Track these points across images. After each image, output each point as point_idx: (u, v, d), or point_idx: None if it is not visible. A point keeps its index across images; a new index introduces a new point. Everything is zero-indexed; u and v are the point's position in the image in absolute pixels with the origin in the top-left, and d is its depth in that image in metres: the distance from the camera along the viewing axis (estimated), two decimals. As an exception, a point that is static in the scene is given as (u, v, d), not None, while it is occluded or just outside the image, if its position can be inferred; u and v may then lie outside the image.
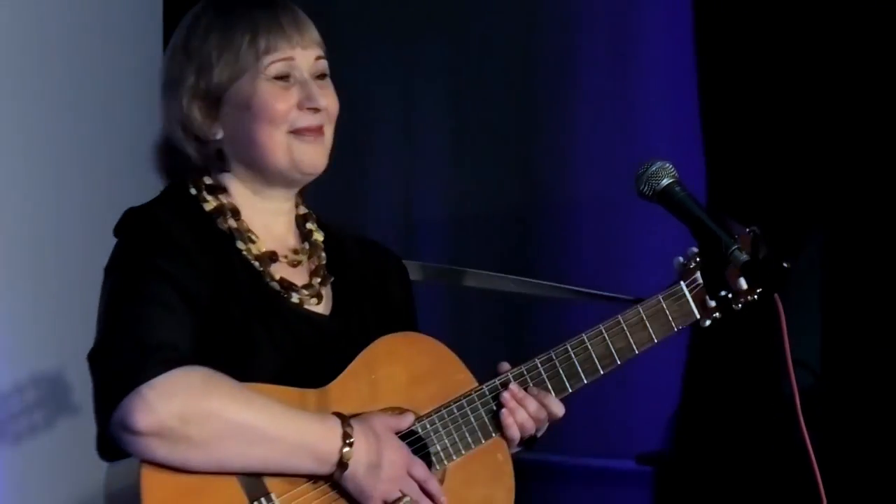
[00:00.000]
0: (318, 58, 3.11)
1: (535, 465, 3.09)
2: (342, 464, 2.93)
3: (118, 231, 3.02)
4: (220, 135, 3.07)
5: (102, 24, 5.44)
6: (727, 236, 3.04)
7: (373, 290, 3.27)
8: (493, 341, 5.84)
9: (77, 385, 5.28)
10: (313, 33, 3.11)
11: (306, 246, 3.18)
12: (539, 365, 3.09)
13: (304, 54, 3.07)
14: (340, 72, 3.11)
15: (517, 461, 3.14)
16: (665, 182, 3.08)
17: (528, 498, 5.58)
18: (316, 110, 3.05)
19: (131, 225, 3.01)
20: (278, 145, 3.02)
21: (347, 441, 2.94)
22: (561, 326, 3.42)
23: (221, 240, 3.07)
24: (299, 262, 3.16)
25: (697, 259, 3.24)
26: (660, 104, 5.87)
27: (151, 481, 2.87)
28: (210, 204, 3.09)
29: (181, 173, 3.14)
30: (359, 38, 6.23)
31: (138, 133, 4.97)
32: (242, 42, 3.04)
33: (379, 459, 2.99)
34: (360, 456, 2.95)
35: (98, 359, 2.93)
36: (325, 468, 2.94)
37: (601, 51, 6.04)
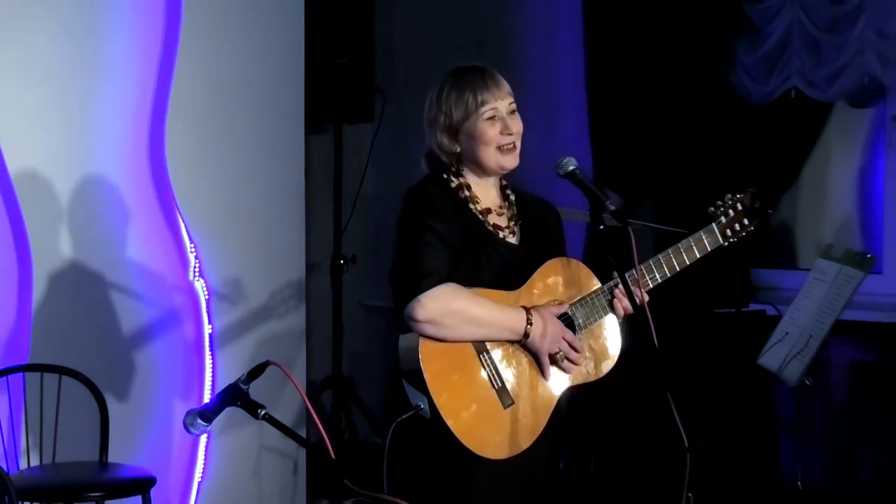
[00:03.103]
0: (511, 103, 3.22)
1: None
2: (526, 334, 3.11)
3: (405, 199, 3.21)
4: (458, 149, 3.22)
5: (258, 41, 5.32)
6: (604, 198, 3.13)
7: (543, 228, 3.34)
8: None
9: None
10: (506, 87, 3.23)
11: (506, 203, 3.31)
12: (634, 273, 3.15)
13: (502, 103, 3.20)
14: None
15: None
16: (570, 168, 3.16)
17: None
18: (510, 133, 3.20)
19: (412, 195, 3.22)
20: (491, 157, 3.19)
21: (529, 322, 3.10)
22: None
23: (461, 202, 3.22)
24: (503, 213, 3.29)
25: (729, 209, 3.37)
26: (566, 122, 5.90)
27: (425, 344, 3.05)
28: (454, 182, 3.24)
29: (438, 166, 3.27)
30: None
31: (284, 129, 5.42)
32: (468, 98, 3.17)
33: (545, 331, 3.12)
34: (535, 330, 3.11)
35: (395, 278, 3.13)
36: (517, 337, 3.11)
37: (535, 91, 5.93)
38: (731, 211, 3.39)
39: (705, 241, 3.35)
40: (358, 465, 2.90)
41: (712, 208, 3.39)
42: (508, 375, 3.13)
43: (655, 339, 3.02)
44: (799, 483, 4.45)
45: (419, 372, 3.02)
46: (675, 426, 2.97)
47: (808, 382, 4.38)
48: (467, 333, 3.08)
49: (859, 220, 5.65)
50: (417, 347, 3.04)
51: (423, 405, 3.00)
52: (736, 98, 5.52)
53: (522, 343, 3.14)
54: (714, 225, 3.37)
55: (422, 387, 3.01)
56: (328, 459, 2.70)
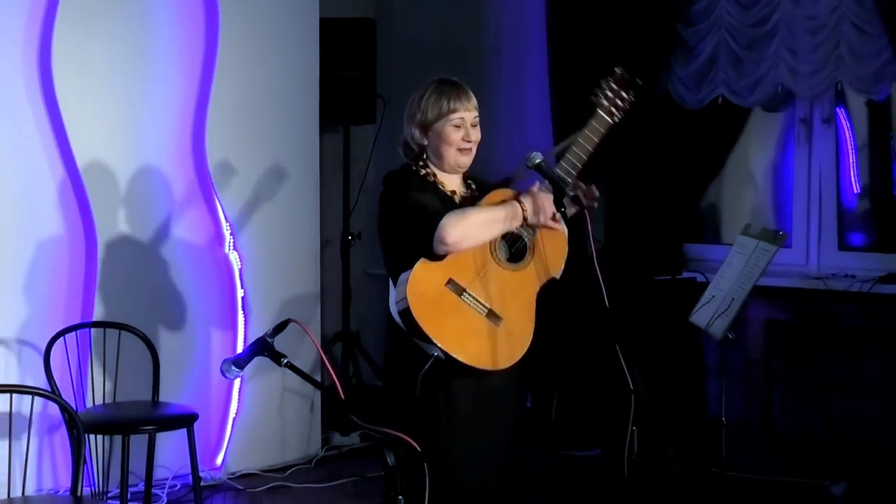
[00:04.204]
0: (475, 116, 3.15)
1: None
2: (524, 217, 3.05)
3: (385, 180, 3.17)
4: (425, 143, 3.14)
5: (281, 57, 5.23)
6: (565, 185, 3.03)
7: None
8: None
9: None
10: (474, 102, 3.17)
11: (468, 191, 3.22)
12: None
13: (468, 114, 3.13)
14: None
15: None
16: (537, 160, 3.04)
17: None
18: (469, 141, 3.14)
19: (391, 176, 3.19)
20: (451, 156, 3.14)
21: (522, 205, 3.05)
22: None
23: (430, 185, 3.15)
24: (465, 197, 3.19)
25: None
26: (533, 121, 5.86)
27: (415, 307, 2.98)
28: (422, 170, 3.17)
29: (410, 156, 3.20)
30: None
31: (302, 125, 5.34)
32: (443, 104, 3.11)
33: (536, 206, 3.06)
34: (528, 208, 3.06)
35: (391, 232, 3.11)
36: (520, 220, 3.05)
37: (507, 96, 5.96)
38: (608, 91, 3.17)
39: (596, 125, 3.14)
40: (363, 405, 2.86)
41: (592, 96, 3.17)
42: (489, 301, 3.04)
43: (606, 300, 2.97)
44: (723, 418, 4.43)
45: (422, 332, 2.97)
46: (622, 372, 2.94)
47: (730, 336, 4.39)
48: (487, 234, 3.04)
49: (773, 203, 5.61)
50: (412, 314, 2.98)
51: (437, 352, 2.95)
52: (672, 104, 5.48)
53: (526, 224, 3.06)
54: (598, 109, 3.16)
55: (428, 340, 2.96)
56: (339, 400, 2.68)
